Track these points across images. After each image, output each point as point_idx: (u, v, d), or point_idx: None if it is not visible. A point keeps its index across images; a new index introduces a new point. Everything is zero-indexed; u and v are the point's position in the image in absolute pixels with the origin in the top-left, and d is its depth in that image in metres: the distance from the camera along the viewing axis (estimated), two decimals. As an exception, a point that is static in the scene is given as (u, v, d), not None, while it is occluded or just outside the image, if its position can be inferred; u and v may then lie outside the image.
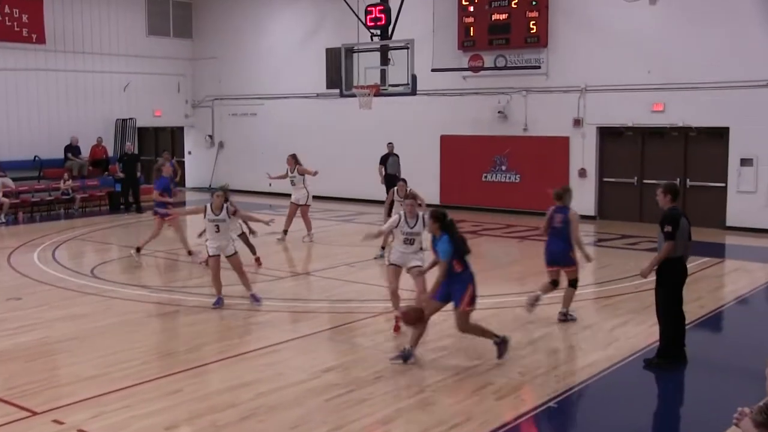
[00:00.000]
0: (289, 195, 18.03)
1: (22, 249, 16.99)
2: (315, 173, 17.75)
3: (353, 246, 16.99)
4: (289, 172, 17.83)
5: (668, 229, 8.59)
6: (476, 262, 15.05)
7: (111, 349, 9.61)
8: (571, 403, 7.94)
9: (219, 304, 11.57)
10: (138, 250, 15.29)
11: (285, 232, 17.69)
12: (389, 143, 21.95)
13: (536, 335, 10.11)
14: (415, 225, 10.34)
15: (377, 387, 8.19)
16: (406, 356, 8.94)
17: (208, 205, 11.66)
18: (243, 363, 9.12)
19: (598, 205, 21.28)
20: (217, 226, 11.58)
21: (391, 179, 20.74)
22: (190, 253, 15.35)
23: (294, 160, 17.80)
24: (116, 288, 13.10)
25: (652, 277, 8.99)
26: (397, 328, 10.16)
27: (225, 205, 11.63)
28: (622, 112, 20.39)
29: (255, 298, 11.79)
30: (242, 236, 14.55)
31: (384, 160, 21.79)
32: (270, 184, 18.10)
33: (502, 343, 9.08)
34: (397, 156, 21.83)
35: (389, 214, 14.02)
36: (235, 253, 11.80)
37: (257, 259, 14.76)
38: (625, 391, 8.27)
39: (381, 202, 17.04)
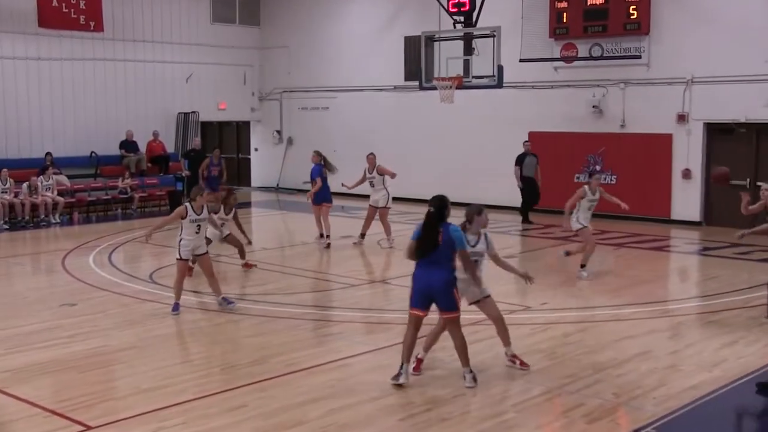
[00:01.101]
0: (367, 196, 18.20)
1: (77, 251, 17.48)
2: (394, 175, 17.97)
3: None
4: (367, 173, 18.03)
5: None
6: (567, 271, 15.07)
7: (170, 360, 9.82)
8: (671, 429, 7.82)
9: (177, 310, 12.06)
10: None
11: (362, 235, 17.95)
12: (526, 141, 21.66)
13: (632, 352, 9.98)
14: (476, 243, 9.38)
15: (456, 406, 8.21)
16: None
17: (189, 206, 12.10)
18: (312, 377, 9.22)
19: (705, 210, 20.86)
20: (199, 226, 12.16)
21: (529, 183, 21.22)
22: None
23: (375, 158, 18.02)
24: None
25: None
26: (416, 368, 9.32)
27: (204, 205, 12.26)
28: (733, 107, 19.95)
29: (228, 302, 12.28)
30: (229, 238, 15.04)
31: (520, 161, 21.43)
32: (344, 185, 18.27)
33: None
34: (535, 156, 21.48)
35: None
36: (206, 252, 12.41)
37: (246, 264, 15.22)
38: (733, 418, 8.12)
39: (458, 204, 17.00)
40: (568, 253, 15.39)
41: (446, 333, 9.09)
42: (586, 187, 14.56)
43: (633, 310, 12.23)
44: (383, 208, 17.81)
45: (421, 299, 8.78)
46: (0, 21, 23.40)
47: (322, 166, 18.01)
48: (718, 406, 8.40)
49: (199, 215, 12.09)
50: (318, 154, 18.22)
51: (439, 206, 8.65)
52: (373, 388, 8.73)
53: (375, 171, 17.93)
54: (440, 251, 8.58)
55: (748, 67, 19.52)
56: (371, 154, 18.16)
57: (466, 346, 8.91)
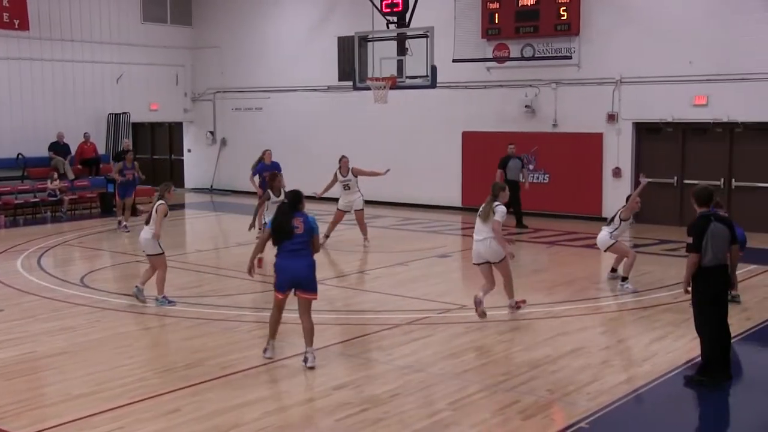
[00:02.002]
0: (331, 200, 18.12)
1: (4, 256, 17.11)
2: (377, 174, 18.07)
3: (367, 252, 17.05)
4: (339, 176, 17.81)
5: (689, 240, 8.70)
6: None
7: (102, 365, 9.67)
8: (604, 423, 7.93)
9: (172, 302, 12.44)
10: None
11: (326, 237, 17.67)
12: (510, 144, 20.64)
13: (566, 349, 10.12)
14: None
15: (393, 406, 8.22)
16: None
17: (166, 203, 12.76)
18: (247, 380, 9.17)
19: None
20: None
21: (514, 186, 19.49)
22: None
23: (348, 161, 17.93)
24: (108, 298, 13.17)
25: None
26: None
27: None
28: (660, 107, 20.36)
29: (169, 301, 12.55)
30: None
31: (504, 164, 20.50)
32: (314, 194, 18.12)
33: None
34: (520, 159, 20.74)
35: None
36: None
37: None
38: (663, 411, 8.26)
39: (393, 204, 17.09)
40: (613, 270, 14.42)
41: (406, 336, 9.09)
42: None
43: (567, 307, 12.41)
44: (359, 210, 17.70)
45: (287, 285, 9.56)
46: None
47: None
48: (648, 399, 8.57)
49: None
50: (347, 158, 18.05)
51: (293, 199, 9.67)
52: (309, 390, 8.72)
53: (350, 173, 17.76)
54: (302, 239, 9.47)
55: (674, 68, 19.96)
56: (344, 156, 18.02)
57: (314, 329, 9.62)
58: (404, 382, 8.93)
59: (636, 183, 20.90)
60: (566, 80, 21.77)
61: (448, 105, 23.48)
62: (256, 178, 18.79)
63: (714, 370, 8.83)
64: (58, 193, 23.44)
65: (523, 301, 12.02)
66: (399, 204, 23.54)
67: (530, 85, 22.29)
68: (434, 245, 16.60)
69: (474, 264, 11.90)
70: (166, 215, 12.53)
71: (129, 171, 20.36)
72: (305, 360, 9.50)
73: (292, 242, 9.45)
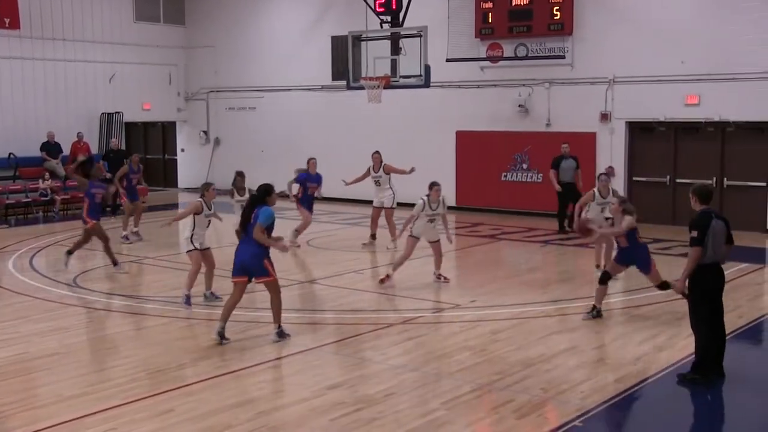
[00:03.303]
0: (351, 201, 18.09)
1: (-2, 256, 17.07)
2: (405, 172, 17.66)
3: (361, 251, 17.03)
4: (372, 171, 17.76)
5: (693, 234, 8.66)
6: (495, 269, 15.22)
7: (95, 365, 9.66)
8: (598, 421, 7.95)
9: (189, 303, 12.30)
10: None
11: (373, 236, 17.68)
12: (564, 144, 19.61)
13: (560, 348, 10.13)
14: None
15: (387, 405, 8.21)
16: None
17: (203, 201, 12.54)
18: (241, 380, 9.16)
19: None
20: (209, 221, 12.80)
21: (568, 188, 19.17)
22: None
23: (381, 157, 17.82)
24: (101, 299, 13.16)
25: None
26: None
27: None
28: (653, 106, 20.37)
29: (215, 296, 12.63)
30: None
31: (557, 164, 19.56)
32: (343, 181, 18.17)
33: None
34: (574, 159, 19.49)
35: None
36: (209, 247, 12.84)
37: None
38: (656, 409, 8.27)
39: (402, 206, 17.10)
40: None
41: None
42: (595, 190, 14.71)
43: (560, 306, 12.42)
44: (389, 208, 17.61)
45: (239, 270, 10.35)
46: None
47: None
48: (641, 398, 8.58)
49: (210, 211, 12.62)
50: (380, 154, 17.90)
51: (262, 192, 10.33)
52: (303, 390, 8.70)
53: (381, 170, 17.70)
54: (251, 229, 10.18)
55: (666, 68, 19.97)
56: (376, 152, 17.93)
57: (281, 307, 10.50)
58: (398, 382, 8.93)
59: (629, 182, 20.98)
60: (559, 80, 21.78)
61: (442, 104, 23.47)
62: (295, 187, 17.74)
63: (707, 368, 8.85)
64: (49, 192, 23.38)
65: (445, 279, 13.87)
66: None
67: (524, 85, 22.29)
68: (428, 244, 16.55)
69: None
70: (198, 213, 12.39)
71: (135, 175, 19.14)
72: (274, 334, 10.49)
73: (246, 231, 10.30)
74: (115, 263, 15.03)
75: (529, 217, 21.79)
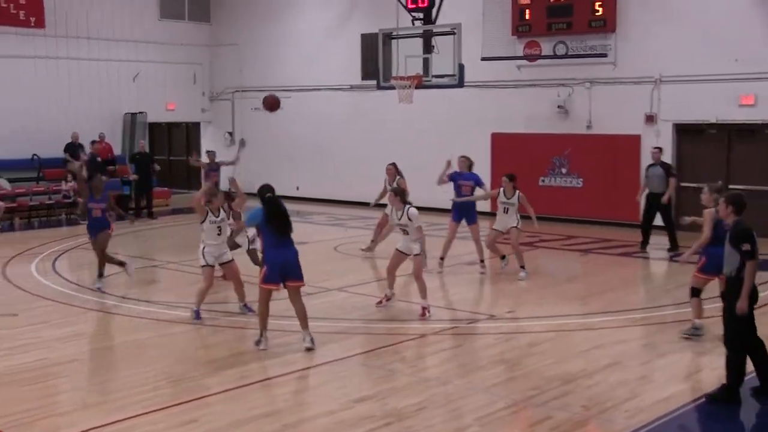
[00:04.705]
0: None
1: (18, 259, 17.20)
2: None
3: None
4: (388, 185, 17.32)
5: (746, 247, 8.43)
6: (532, 279, 15.10)
7: (116, 373, 9.67)
8: (643, 442, 7.84)
9: (198, 317, 12.04)
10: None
11: (373, 241, 17.44)
12: (654, 148, 18.67)
13: (602, 363, 9.99)
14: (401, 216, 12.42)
15: (418, 420, 8.14)
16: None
17: (208, 209, 12.05)
18: (266, 390, 9.14)
19: (675, 214, 21.00)
20: (219, 229, 12.13)
21: (653, 199, 18.04)
22: None
23: (395, 169, 17.47)
24: (124, 304, 13.20)
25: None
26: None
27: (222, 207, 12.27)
28: (703, 107, 20.12)
29: (248, 309, 12.35)
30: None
31: (646, 172, 18.61)
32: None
33: None
34: (664, 167, 18.14)
35: None
36: (233, 260, 12.43)
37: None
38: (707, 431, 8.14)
39: (419, 209, 16.96)
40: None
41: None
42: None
43: (602, 319, 12.25)
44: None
45: (279, 275, 10.37)
46: (-66, 16, 23.04)
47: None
48: (691, 418, 8.43)
49: (217, 217, 12.03)
50: (467, 158, 16.62)
51: (274, 191, 10.93)
52: (330, 402, 8.65)
53: (396, 182, 17.01)
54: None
55: (718, 66, 19.68)
56: (391, 164, 17.61)
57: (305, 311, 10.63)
58: (430, 396, 8.85)
59: (676, 187, 20.74)
60: (601, 79, 21.60)
61: (477, 105, 23.37)
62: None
63: (735, 387, 8.66)
64: (72, 194, 23.56)
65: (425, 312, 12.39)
66: (425, 208, 23.42)
67: (563, 85, 22.14)
68: (462, 252, 16.49)
69: None
70: (202, 221, 12.01)
71: (98, 204, 16.08)
72: (304, 340, 10.54)
73: (286, 233, 10.60)
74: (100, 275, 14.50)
75: (568, 224, 21.62)
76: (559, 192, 22.36)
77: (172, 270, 16.01)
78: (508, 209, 15.33)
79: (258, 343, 10.53)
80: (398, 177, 17.26)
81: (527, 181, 22.55)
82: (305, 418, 8.26)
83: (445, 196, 17.11)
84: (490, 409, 8.45)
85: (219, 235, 12.06)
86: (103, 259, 14.49)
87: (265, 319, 10.59)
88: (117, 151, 26.34)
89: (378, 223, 17.63)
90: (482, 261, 15.78)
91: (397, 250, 12.82)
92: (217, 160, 19.11)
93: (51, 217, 23.29)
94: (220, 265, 12.21)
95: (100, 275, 14.53)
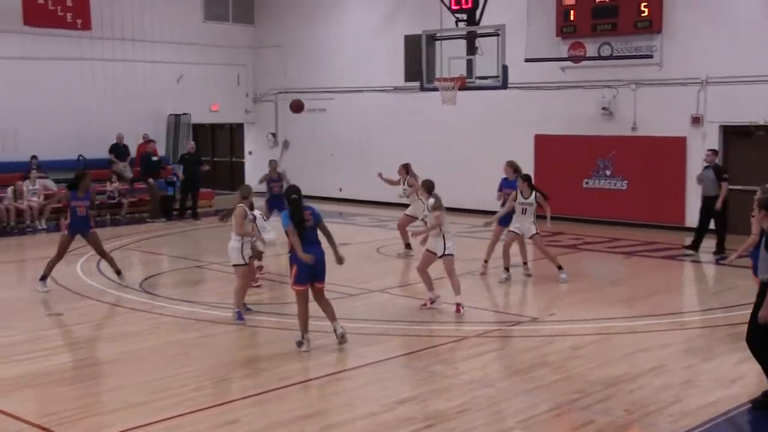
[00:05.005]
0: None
1: (64, 259, 17.34)
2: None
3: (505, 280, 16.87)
4: (402, 182, 17.96)
5: None
6: (575, 281, 15.01)
7: (160, 372, 9.76)
8: (687, 447, 7.77)
9: (242, 318, 12.09)
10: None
11: (407, 246, 17.64)
12: (710, 150, 18.45)
13: (646, 367, 9.91)
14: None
15: (460, 422, 8.13)
16: None
17: (244, 207, 12.24)
18: (307, 391, 9.17)
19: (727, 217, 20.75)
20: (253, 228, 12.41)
21: (707, 203, 17.68)
22: None
23: (406, 170, 17.86)
24: (167, 304, 13.32)
25: None
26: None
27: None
28: (752, 108, 19.85)
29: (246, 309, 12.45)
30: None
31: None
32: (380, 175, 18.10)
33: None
34: (715, 169, 17.78)
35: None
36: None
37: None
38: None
39: (462, 211, 16.97)
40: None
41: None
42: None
43: (646, 322, 12.13)
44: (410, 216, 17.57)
45: (310, 275, 10.47)
46: (-17, 18, 23.40)
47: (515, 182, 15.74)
48: (737, 424, 8.33)
49: (251, 217, 12.40)
50: (510, 165, 16.35)
51: (299, 192, 10.61)
52: (371, 403, 8.66)
53: (407, 183, 17.73)
54: (314, 230, 10.53)
55: (766, 67, 19.45)
56: (403, 165, 18.05)
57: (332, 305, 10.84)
58: (471, 398, 8.83)
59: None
60: (647, 81, 21.42)
61: (520, 107, 23.27)
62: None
63: None
64: (117, 195, 23.81)
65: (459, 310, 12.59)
66: (469, 210, 23.37)
67: (608, 86, 21.98)
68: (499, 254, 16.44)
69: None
70: (244, 217, 12.19)
71: (276, 183, 18.40)
72: (335, 331, 10.74)
73: (308, 233, 10.50)
74: (43, 278, 14.33)
75: (612, 226, 21.46)
76: (603, 194, 22.21)
77: (215, 271, 16.12)
78: (526, 209, 15.11)
79: (300, 344, 10.60)
80: (408, 177, 17.65)
81: (571, 183, 22.52)
82: (346, 419, 8.27)
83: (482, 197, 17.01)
84: (532, 412, 8.42)
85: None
86: (108, 255, 14.79)
87: (305, 321, 10.64)
88: (161, 152, 26.56)
89: (398, 225, 17.81)
90: (525, 263, 15.71)
91: (426, 250, 12.96)
92: (279, 169, 18.93)
93: (96, 217, 23.45)
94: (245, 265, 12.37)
95: (118, 272, 14.70)
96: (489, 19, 19.85)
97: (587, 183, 22.49)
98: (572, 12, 22.02)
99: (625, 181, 21.81)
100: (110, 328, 11.79)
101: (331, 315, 10.77)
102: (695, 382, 9.45)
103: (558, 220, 22.08)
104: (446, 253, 12.58)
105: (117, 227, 22.33)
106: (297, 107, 17.58)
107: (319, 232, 10.63)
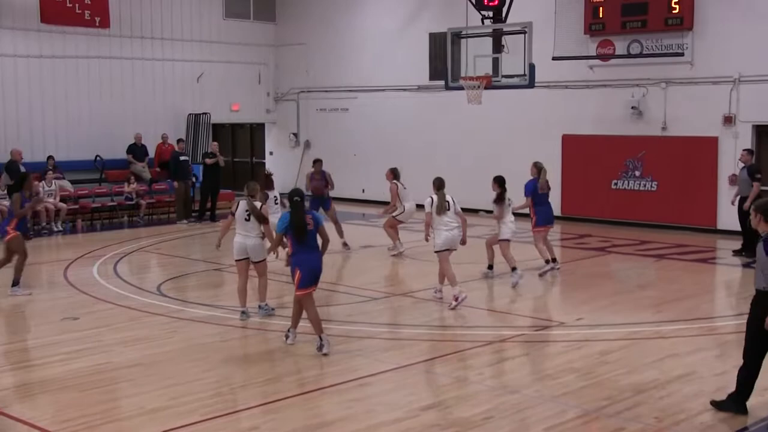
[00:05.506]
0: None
1: (80, 261, 17.51)
2: (393, 208, 17.93)
3: (458, 263, 16.91)
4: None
5: None
6: (604, 285, 14.95)
7: (178, 378, 9.79)
8: (720, 457, 7.71)
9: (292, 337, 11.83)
10: None
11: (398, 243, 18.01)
12: (745, 150, 18.40)
13: (676, 373, 9.86)
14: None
15: (485, 429, 8.12)
16: None
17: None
18: (328, 397, 9.17)
19: (752, 217, 20.63)
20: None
21: (742, 204, 17.56)
22: None
23: (393, 175, 18.20)
24: (186, 308, 13.38)
25: None
26: None
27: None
28: (785, 108, 19.79)
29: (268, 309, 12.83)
30: None
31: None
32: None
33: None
34: (749, 170, 17.63)
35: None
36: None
37: None
38: (786, 445, 7.98)
39: (487, 212, 16.96)
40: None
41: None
42: None
43: (676, 327, 12.09)
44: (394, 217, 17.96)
45: (313, 279, 10.72)
46: (0, 16, 23.55)
47: (536, 181, 16.07)
48: (769, 432, 8.28)
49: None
50: (535, 165, 16.38)
51: (303, 196, 10.81)
52: (395, 410, 8.66)
53: (389, 189, 18.16)
54: (313, 234, 10.75)
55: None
56: (390, 170, 18.43)
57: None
58: (497, 404, 8.81)
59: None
60: (678, 79, 21.31)
61: (547, 106, 23.21)
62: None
63: (743, 398, 8.50)
64: (134, 196, 23.91)
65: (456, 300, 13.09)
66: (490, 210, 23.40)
67: (637, 85, 21.88)
68: (529, 257, 16.39)
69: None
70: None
71: (319, 183, 18.91)
72: (320, 345, 10.70)
73: (308, 238, 10.73)
74: (15, 283, 14.25)
75: (641, 228, 21.36)
76: (632, 195, 22.10)
77: (234, 273, 16.14)
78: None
79: (287, 337, 11.12)
80: (391, 182, 17.97)
81: (599, 184, 22.45)
82: (370, 425, 8.26)
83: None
84: (559, 419, 8.39)
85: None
86: (20, 265, 14.42)
87: (298, 318, 11.05)
88: (181, 152, 26.67)
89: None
90: (554, 260, 15.96)
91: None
92: (323, 169, 18.96)
93: (113, 219, 23.67)
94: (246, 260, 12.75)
95: (15, 282, 14.29)
96: (516, 16, 19.84)
97: (616, 184, 22.38)
98: (601, 9, 21.93)
99: (655, 183, 21.70)
100: (127, 332, 11.82)
101: (318, 326, 10.85)
102: (727, 390, 9.34)
103: (586, 222, 22.14)
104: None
105: (135, 229, 22.44)
106: None
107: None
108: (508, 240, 15.17)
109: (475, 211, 22.01)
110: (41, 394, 9.33)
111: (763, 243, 8.30)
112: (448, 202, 13.49)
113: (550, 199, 16.27)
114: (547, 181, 16.11)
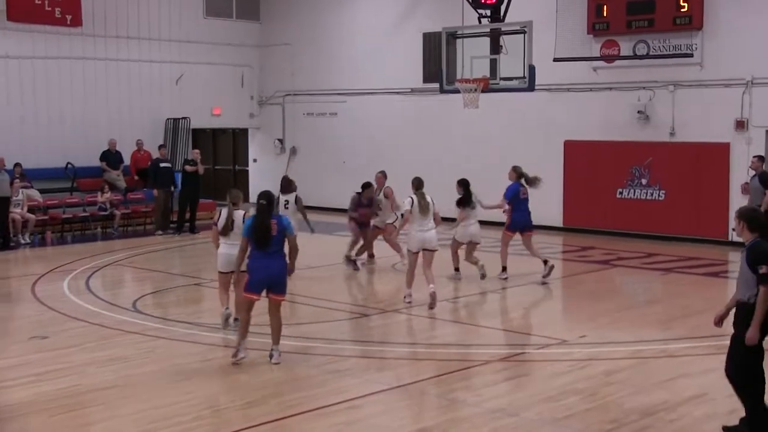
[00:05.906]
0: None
1: (49, 276, 17.47)
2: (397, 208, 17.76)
3: (453, 279, 16.93)
4: (379, 192, 18.11)
5: (763, 270, 8.16)
6: (608, 300, 14.97)
7: (155, 401, 9.76)
8: (733, 483, 7.72)
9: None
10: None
11: (371, 256, 18.21)
12: (755, 157, 18.57)
13: (686, 394, 9.88)
14: None
15: (482, 456, 8.12)
16: None
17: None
18: (317, 421, 9.15)
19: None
20: None
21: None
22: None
23: (384, 178, 18.26)
24: (164, 326, 13.34)
25: None
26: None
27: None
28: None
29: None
30: None
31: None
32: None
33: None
34: (761, 178, 17.78)
35: None
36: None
37: None
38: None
39: (482, 223, 17.03)
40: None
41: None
42: None
43: (686, 345, 12.11)
44: (388, 226, 17.99)
45: (259, 286, 10.90)
46: (-37, 14, 23.56)
47: (519, 186, 16.59)
48: (785, 456, 8.29)
49: None
50: (515, 170, 16.81)
51: (269, 200, 10.99)
52: (387, 434, 8.66)
53: (382, 193, 18.06)
54: (276, 241, 10.85)
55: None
56: (380, 172, 18.51)
57: (281, 327, 11.09)
58: (495, 428, 8.81)
59: None
60: (686, 82, 21.41)
61: (548, 110, 23.30)
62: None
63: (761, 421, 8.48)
64: (109, 206, 23.82)
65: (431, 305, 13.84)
66: (490, 222, 23.42)
67: (644, 88, 21.97)
68: (530, 271, 16.42)
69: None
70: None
71: (366, 209, 17.79)
72: (271, 356, 11.00)
73: (270, 244, 10.85)
74: None
75: (648, 240, 21.41)
76: (638, 205, 22.17)
77: (215, 289, 16.12)
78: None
79: (235, 355, 11.06)
80: (386, 187, 18.11)
81: (603, 193, 22.51)
82: (358, 451, 8.28)
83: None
84: (561, 444, 8.42)
85: None
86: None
87: (246, 329, 11.08)
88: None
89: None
90: (545, 261, 16.37)
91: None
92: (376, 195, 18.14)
93: (85, 231, 23.61)
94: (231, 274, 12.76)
95: None
96: (515, 15, 19.92)
97: (621, 193, 22.45)
98: (605, 7, 22.01)
99: (663, 191, 21.77)
100: (100, 351, 11.77)
101: (276, 335, 11.08)
102: (741, 412, 9.37)
103: (589, 234, 22.18)
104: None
105: (109, 241, 22.41)
106: None
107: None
108: (463, 243, 16.29)
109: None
110: (7, 420, 9.24)
111: (746, 252, 8.34)
112: (429, 202, 14.13)
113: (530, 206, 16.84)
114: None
